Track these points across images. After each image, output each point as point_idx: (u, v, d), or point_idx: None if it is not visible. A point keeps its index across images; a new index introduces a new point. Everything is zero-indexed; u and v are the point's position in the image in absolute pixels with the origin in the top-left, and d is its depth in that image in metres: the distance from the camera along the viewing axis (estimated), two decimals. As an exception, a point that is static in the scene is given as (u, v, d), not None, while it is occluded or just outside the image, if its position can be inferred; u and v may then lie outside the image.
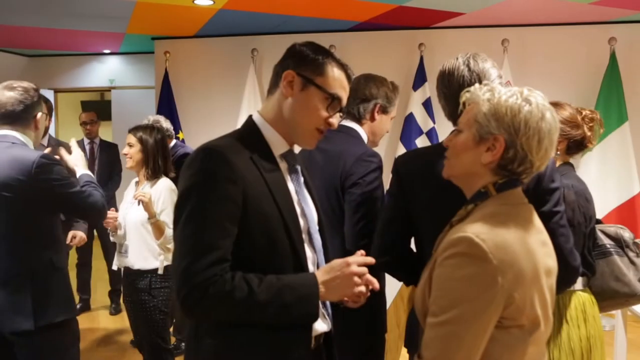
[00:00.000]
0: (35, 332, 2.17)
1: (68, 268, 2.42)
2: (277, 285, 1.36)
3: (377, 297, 2.20)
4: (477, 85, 1.41)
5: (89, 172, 2.55)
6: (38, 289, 2.20)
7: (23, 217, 2.22)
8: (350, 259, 1.44)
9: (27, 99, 2.29)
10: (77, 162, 2.58)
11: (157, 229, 2.95)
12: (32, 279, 2.20)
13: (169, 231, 2.95)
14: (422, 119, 5.17)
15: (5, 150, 2.20)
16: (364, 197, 2.09)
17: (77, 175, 2.49)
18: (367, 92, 2.27)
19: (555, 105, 2.24)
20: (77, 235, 3.72)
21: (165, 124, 3.95)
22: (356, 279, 1.42)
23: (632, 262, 2.27)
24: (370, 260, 1.46)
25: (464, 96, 1.42)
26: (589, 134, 2.27)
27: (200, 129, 5.59)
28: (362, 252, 1.50)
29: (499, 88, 1.36)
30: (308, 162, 2.33)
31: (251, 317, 1.36)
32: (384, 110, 2.29)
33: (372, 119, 2.29)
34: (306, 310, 1.38)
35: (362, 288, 1.43)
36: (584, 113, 2.30)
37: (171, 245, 2.96)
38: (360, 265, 1.43)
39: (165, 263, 3.02)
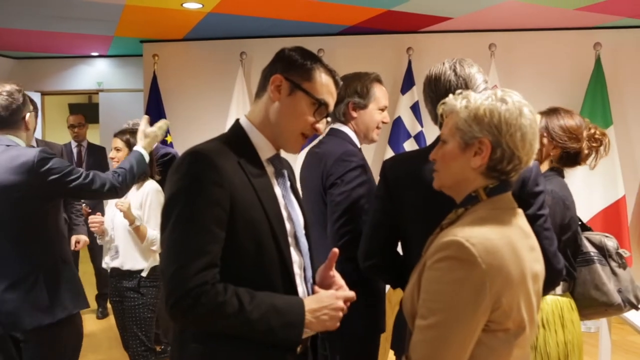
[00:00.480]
0: (53, 327, 2.23)
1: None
2: (266, 307, 1.37)
3: (377, 297, 2.20)
4: (450, 95, 1.43)
5: (142, 152, 2.57)
6: (51, 283, 2.25)
7: (30, 215, 2.25)
8: (338, 293, 1.49)
9: (12, 103, 2.31)
10: (143, 137, 2.61)
11: (139, 233, 2.98)
12: (45, 274, 2.24)
13: (152, 233, 2.99)
14: (410, 123, 5.20)
15: (3, 153, 2.23)
16: (342, 196, 2.10)
17: (134, 149, 2.59)
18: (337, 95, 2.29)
19: (566, 112, 2.25)
20: (81, 239, 3.75)
21: None
22: (340, 313, 1.46)
23: (613, 273, 2.27)
24: (352, 295, 1.51)
25: (440, 108, 1.44)
26: (586, 151, 2.25)
27: (189, 132, 5.58)
28: (335, 250, 1.54)
29: (473, 94, 1.39)
30: (304, 165, 2.34)
31: (236, 332, 1.37)
32: (358, 106, 2.27)
33: (350, 117, 2.28)
34: (289, 337, 1.39)
35: (341, 317, 1.48)
36: (592, 131, 2.28)
37: (155, 247, 2.99)
38: (345, 300, 1.48)
39: (154, 264, 3.05)
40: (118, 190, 2.42)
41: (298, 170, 4.18)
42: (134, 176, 2.50)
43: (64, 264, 2.34)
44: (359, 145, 2.30)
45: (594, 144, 2.28)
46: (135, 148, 2.60)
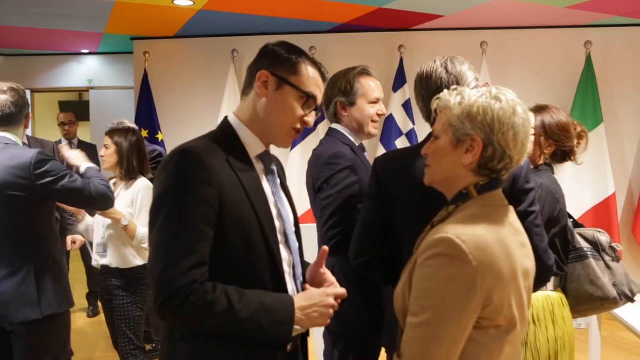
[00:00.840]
0: (40, 322, 2.28)
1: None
2: (255, 305, 1.36)
3: (379, 296, 2.19)
4: (445, 91, 1.43)
5: (93, 165, 2.65)
6: (42, 281, 2.30)
7: (25, 213, 2.30)
8: (329, 290, 1.48)
9: (19, 100, 2.38)
10: (77, 158, 2.70)
11: (128, 231, 2.99)
12: (35, 271, 2.29)
13: (141, 230, 2.98)
14: (401, 121, 5.20)
15: (2, 151, 2.28)
16: (329, 200, 2.09)
17: (82, 170, 2.61)
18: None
19: (557, 110, 2.28)
20: (77, 240, 3.74)
21: (131, 125, 3.95)
22: (331, 310, 1.46)
23: (607, 267, 2.29)
24: (343, 292, 1.51)
25: (435, 103, 1.44)
26: (576, 149, 2.30)
27: (180, 130, 5.55)
28: (325, 248, 1.54)
29: (468, 91, 1.39)
30: (308, 166, 2.34)
31: (226, 330, 1.36)
32: (346, 104, 2.25)
33: (342, 116, 2.27)
34: (279, 335, 1.39)
35: (332, 314, 1.48)
36: (579, 129, 2.32)
37: (145, 245, 2.98)
38: (336, 297, 1.48)
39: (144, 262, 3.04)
40: (113, 199, 2.51)
41: (288, 168, 4.11)
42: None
43: (54, 263, 2.37)
44: (356, 143, 2.28)
45: (580, 141, 2.32)
46: (86, 165, 2.64)
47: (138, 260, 3.04)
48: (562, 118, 2.25)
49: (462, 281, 1.23)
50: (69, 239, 3.72)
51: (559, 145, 2.25)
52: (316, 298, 1.45)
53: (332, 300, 1.46)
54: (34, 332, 2.29)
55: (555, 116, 2.25)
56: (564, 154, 2.29)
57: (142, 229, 2.98)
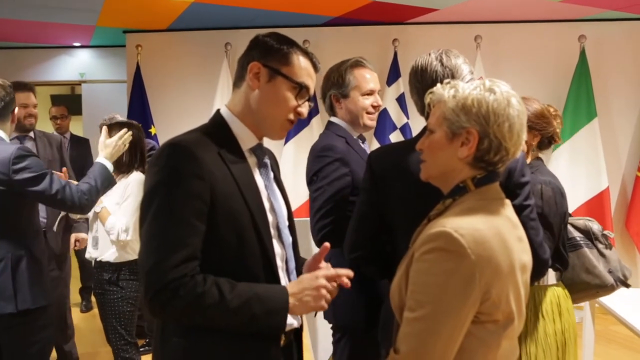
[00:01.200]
0: (15, 315, 2.29)
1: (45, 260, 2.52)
2: (248, 295, 1.34)
3: (380, 291, 2.19)
4: (438, 85, 1.42)
5: (105, 163, 2.61)
6: (18, 276, 2.31)
7: (5, 208, 2.29)
8: (319, 272, 1.45)
9: (5, 95, 2.38)
10: (103, 148, 2.65)
11: (100, 216, 3.00)
12: (13, 266, 2.30)
13: (111, 220, 2.96)
14: (396, 115, 5.19)
15: None
16: (318, 192, 2.10)
17: (95, 160, 2.61)
18: (320, 91, 2.32)
19: (528, 100, 2.29)
20: (80, 237, 3.71)
21: (129, 120, 3.93)
22: (324, 291, 1.42)
23: (601, 254, 2.31)
24: (334, 272, 1.46)
25: (428, 97, 1.43)
26: (557, 130, 2.32)
27: (173, 123, 5.51)
28: (327, 244, 1.51)
29: (461, 84, 1.38)
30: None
31: (218, 323, 1.35)
32: (340, 96, 2.26)
33: (337, 109, 2.28)
34: (273, 324, 1.37)
35: (328, 297, 1.44)
36: (551, 110, 2.33)
37: (113, 236, 2.96)
38: (328, 278, 1.44)
39: (116, 256, 3.00)
40: (84, 207, 2.48)
41: (281, 162, 4.11)
42: (99, 191, 2.55)
43: (33, 259, 2.38)
44: (354, 135, 2.28)
45: (557, 121, 2.33)
46: (97, 160, 2.62)
47: (128, 254, 3.02)
48: (536, 107, 2.27)
49: (460, 276, 1.22)
50: (73, 237, 3.70)
51: (543, 133, 2.27)
52: (306, 282, 1.42)
53: (323, 281, 1.42)
54: (12, 325, 2.31)
55: (530, 107, 2.26)
56: (549, 139, 2.31)
57: (113, 218, 2.96)
